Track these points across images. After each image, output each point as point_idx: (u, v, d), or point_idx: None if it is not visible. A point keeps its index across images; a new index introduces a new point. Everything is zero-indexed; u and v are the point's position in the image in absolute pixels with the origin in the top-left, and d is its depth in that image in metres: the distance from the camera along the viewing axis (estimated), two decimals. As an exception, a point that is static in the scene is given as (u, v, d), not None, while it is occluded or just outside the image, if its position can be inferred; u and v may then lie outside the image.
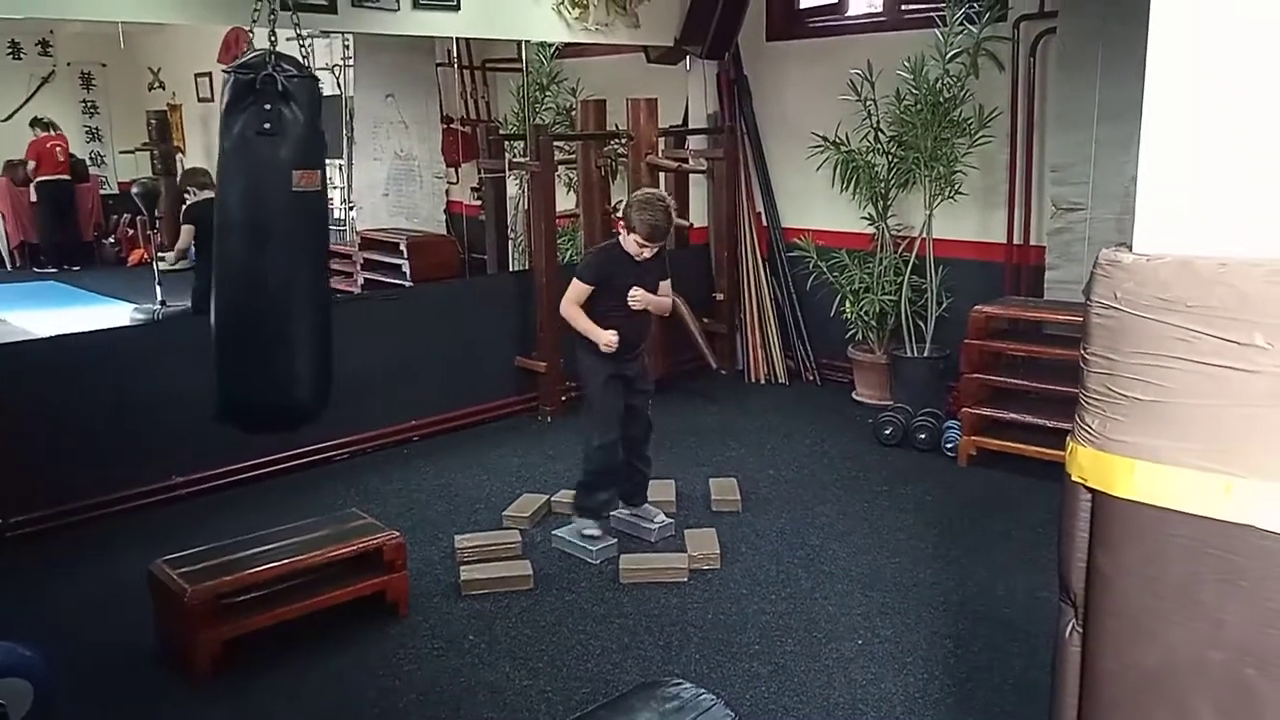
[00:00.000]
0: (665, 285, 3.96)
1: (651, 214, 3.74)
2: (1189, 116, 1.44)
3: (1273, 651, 1.36)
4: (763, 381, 6.28)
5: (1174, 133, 1.45)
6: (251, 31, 2.94)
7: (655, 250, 3.80)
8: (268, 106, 2.85)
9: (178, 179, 9.92)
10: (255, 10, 2.93)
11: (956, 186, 5.35)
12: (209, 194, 5.90)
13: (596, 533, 3.92)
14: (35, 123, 10.59)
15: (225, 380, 3.10)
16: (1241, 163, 1.41)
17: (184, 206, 6.29)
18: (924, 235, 5.45)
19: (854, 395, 5.91)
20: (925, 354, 5.55)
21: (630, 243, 3.78)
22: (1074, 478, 1.55)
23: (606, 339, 3.76)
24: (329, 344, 3.21)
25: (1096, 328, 1.49)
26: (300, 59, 3.00)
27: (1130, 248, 1.50)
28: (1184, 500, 1.40)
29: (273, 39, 2.92)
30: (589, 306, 3.81)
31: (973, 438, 4.73)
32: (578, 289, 3.81)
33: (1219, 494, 1.37)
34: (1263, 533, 1.35)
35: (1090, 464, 1.50)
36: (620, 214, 3.92)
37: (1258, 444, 1.35)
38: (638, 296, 3.79)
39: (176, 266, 7.68)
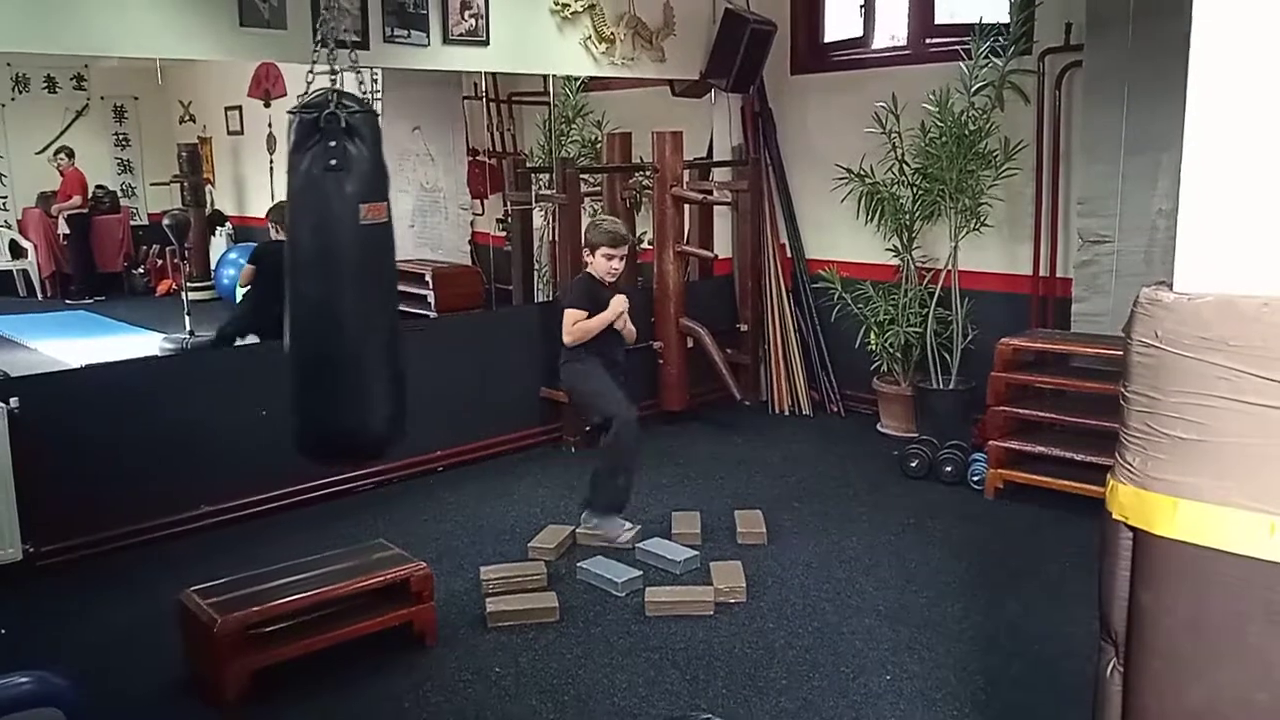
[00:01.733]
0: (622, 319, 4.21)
1: (607, 224, 4.17)
2: (1229, 155, 1.45)
3: None
4: (787, 413, 6.26)
5: (1214, 171, 1.45)
6: (311, 72, 2.98)
7: (622, 262, 4.11)
8: (332, 144, 2.89)
9: (209, 209, 10.08)
10: (315, 52, 2.98)
11: (982, 219, 5.35)
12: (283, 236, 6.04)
13: (628, 527, 4.10)
14: (60, 151, 10.77)
15: (303, 414, 3.11)
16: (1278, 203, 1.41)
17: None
18: (949, 267, 5.45)
19: (879, 427, 5.89)
20: (951, 386, 5.52)
21: (599, 262, 4.08)
22: (1115, 516, 1.54)
23: (617, 305, 4.08)
24: (403, 373, 3.23)
25: (1137, 366, 1.48)
26: (360, 94, 3.04)
27: (1170, 285, 1.50)
28: (1228, 539, 1.39)
29: (333, 78, 2.97)
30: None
31: (999, 471, 4.70)
32: (574, 315, 4.09)
33: (1263, 533, 1.36)
34: None
35: (1131, 502, 1.49)
36: (585, 246, 4.22)
37: None
38: (620, 301, 4.10)
39: (198, 288, 7.78)
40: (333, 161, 2.90)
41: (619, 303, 4.13)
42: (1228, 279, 1.44)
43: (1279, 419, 1.35)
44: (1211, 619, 1.43)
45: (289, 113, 2.99)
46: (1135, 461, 1.50)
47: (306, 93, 2.94)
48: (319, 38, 3.02)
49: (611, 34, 5.47)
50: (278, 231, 5.93)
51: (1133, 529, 1.51)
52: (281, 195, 9.06)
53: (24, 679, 2.44)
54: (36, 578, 3.93)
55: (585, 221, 4.58)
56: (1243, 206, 1.45)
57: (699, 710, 3.00)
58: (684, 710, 3.02)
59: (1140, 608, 1.49)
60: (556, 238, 5.94)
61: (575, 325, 4.08)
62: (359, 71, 3.15)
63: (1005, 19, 5.15)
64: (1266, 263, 1.42)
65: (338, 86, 2.95)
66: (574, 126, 7.21)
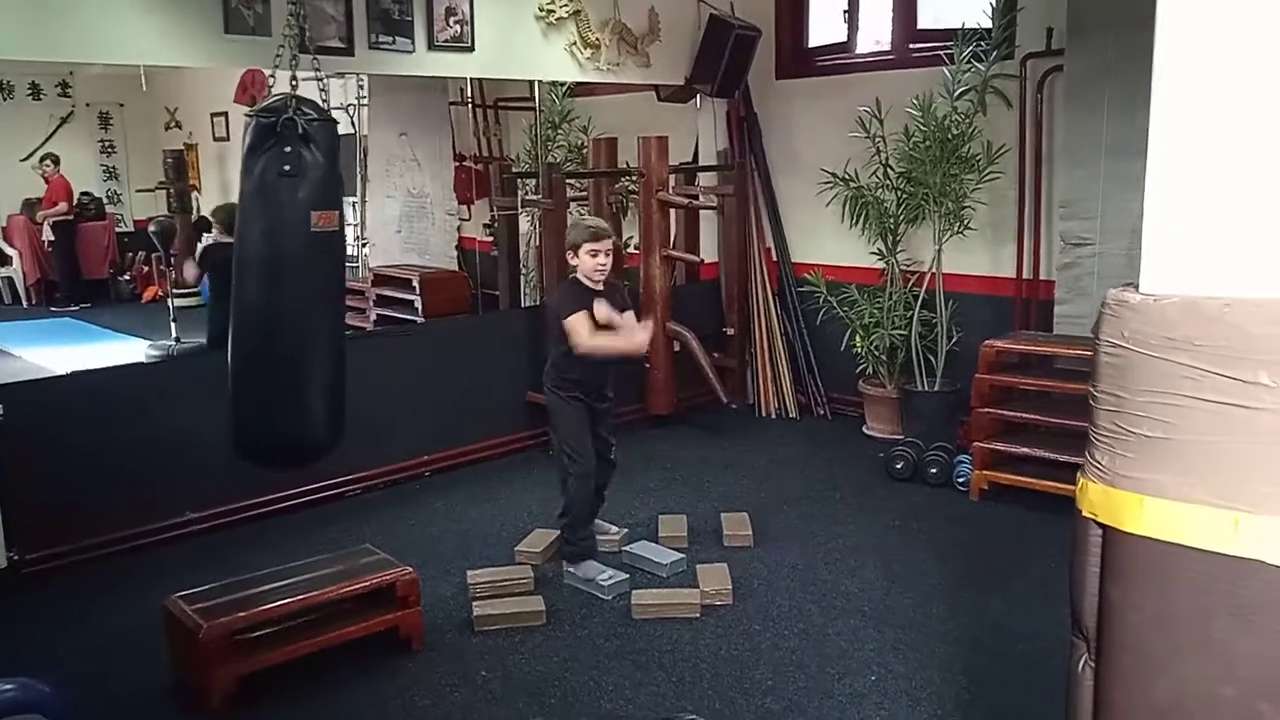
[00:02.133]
0: (629, 317, 3.92)
1: (588, 220, 4.00)
2: (1193, 160, 1.48)
3: None
4: (773, 416, 6.29)
5: (1179, 176, 1.48)
6: (273, 76, 3.00)
7: (608, 258, 3.85)
8: (288, 149, 2.90)
9: (195, 215, 10.08)
10: (277, 55, 3.00)
11: (966, 222, 5.39)
12: (228, 239, 6.01)
13: (606, 572, 3.92)
14: (46, 158, 10.73)
15: (242, 416, 3.14)
16: (1245, 205, 1.44)
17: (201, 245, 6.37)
18: (934, 270, 5.48)
19: (865, 429, 5.91)
20: (936, 388, 5.56)
21: (584, 261, 3.84)
22: (1085, 513, 1.56)
23: (640, 338, 3.85)
24: (344, 381, 3.25)
25: (1105, 366, 1.51)
26: (320, 101, 3.06)
27: (1137, 287, 1.53)
28: (1193, 535, 1.42)
29: (294, 83, 2.99)
30: (564, 346, 3.84)
31: (984, 472, 4.73)
32: (581, 320, 3.76)
33: (1227, 529, 1.39)
34: (1271, 568, 1.36)
35: (1100, 499, 1.51)
36: (568, 249, 3.94)
37: (1264, 480, 1.37)
38: (603, 311, 3.80)
39: (184, 294, 7.75)
40: (286, 167, 2.92)
41: (641, 340, 3.88)
42: (1192, 281, 1.46)
43: (1241, 417, 1.38)
44: (1177, 614, 1.45)
45: (245, 115, 3.01)
46: (1104, 460, 1.52)
47: (263, 96, 2.97)
48: (281, 43, 3.04)
49: (596, 39, 5.49)
50: (221, 232, 5.95)
51: (1102, 526, 1.53)
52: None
53: (7, 685, 2.44)
54: (22, 585, 3.92)
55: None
56: (1205, 211, 1.48)
57: (685, 712, 3.01)
58: (670, 712, 3.03)
59: (1109, 604, 1.51)
60: (542, 243, 5.95)
61: (587, 339, 3.74)
62: (323, 79, 3.16)
63: (988, 24, 5.19)
64: (1228, 265, 1.45)
65: (296, 92, 2.96)
66: (560, 132, 7.23)
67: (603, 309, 3.81)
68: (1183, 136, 1.49)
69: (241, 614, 3.13)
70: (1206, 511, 1.41)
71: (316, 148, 2.96)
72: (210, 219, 6.31)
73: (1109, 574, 1.51)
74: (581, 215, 4.10)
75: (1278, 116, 1.43)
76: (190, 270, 6.14)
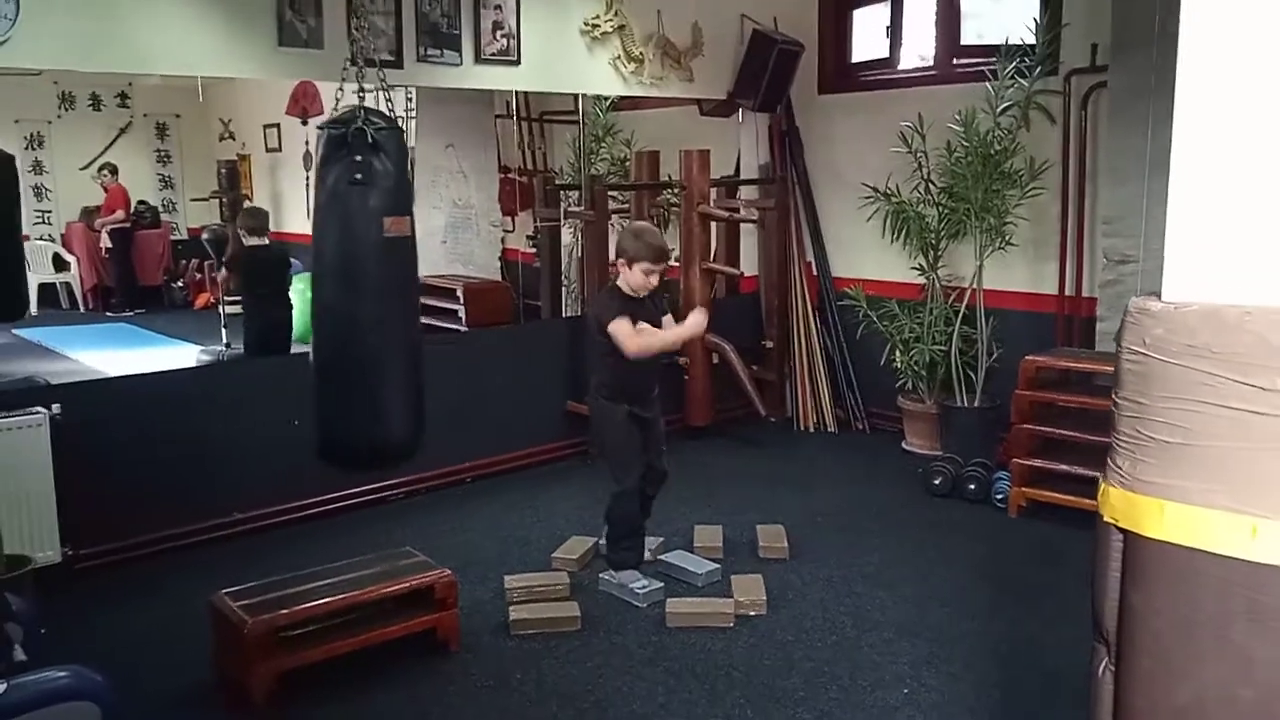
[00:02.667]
0: (668, 320, 4.01)
1: (649, 237, 3.86)
2: (1215, 173, 1.50)
3: None
4: (812, 430, 6.29)
5: (1201, 188, 1.51)
6: (340, 89, 3.09)
7: (658, 279, 3.86)
8: (358, 158, 2.98)
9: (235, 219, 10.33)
10: (344, 69, 3.09)
11: (1007, 238, 5.37)
12: (259, 240, 6.11)
13: (641, 581, 3.95)
14: (105, 167, 11.01)
15: (324, 421, 3.20)
16: (1265, 216, 1.46)
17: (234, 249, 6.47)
18: (974, 286, 5.47)
19: (904, 445, 5.90)
20: (975, 404, 5.54)
21: (636, 275, 3.80)
22: (1106, 518, 1.58)
23: (696, 319, 3.88)
24: (421, 383, 3.30)
25: (1127, 373, 1.53)
26: (387, 111, 3.14)
27: (1159, 296, 1.55)
28: (1212, 541, 1.44)
29: (360, 94, 3.07)
30: (607, 354, 3.83)
31: (1023, 489, 4.71)
32: (625, 325, 3.75)
33: (1245, 535, 1.40)
34: None
35: (1121, 505, 1.53)
36: (620, 256, 3.91)
37: None
38: (700, 316, 3.90)
39: (234, 302, 7.95)
40: (358, 175, 2.99)
41: (698, 321, 3.90)
42: (1212, 289, 1.49)
43: (1259, 423, 1.40)
44: (1197, 618, 1.46)
45: (318, 127, 3.09)
46: (1125, 465, 1.54)
47: (335, 109, 3.04)
48: (349, 56, 3.13)
49: (640, 54, 5.56)
50: (247, 236, 6.08)
51: (1123, 531, 1.55)
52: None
53: (62, 673, 2.53)
54: (75, 579, 4.04)
55: (620, 232, 4.27)
56: (1227, 221, 1.50)
57: None
58: None
59: (1130, 608, 1.53)
60: (584, 254, 6.02)
61: (633, 340, 3.74)
62: (388, 90, 3.24)
63: (1031, 40, 5.18)
64: (1248, 274, 1.47)
65: (366, 104, 3.05)
66: (604, 145, 7.31)
67: (700, 319, 3.91)
68: (1205, 150, 1.53)
69: (284, 611, 3.21)
70: (1225, 517, 1.42)
71: (386, 156, 3.03)
72: (238, 224, 6.39)
73: (1130, 578, 1.53)
74: (642, 225, 4.00)
75: None
76: (222, 274, 6.27)
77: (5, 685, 2.40)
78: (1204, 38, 1.52)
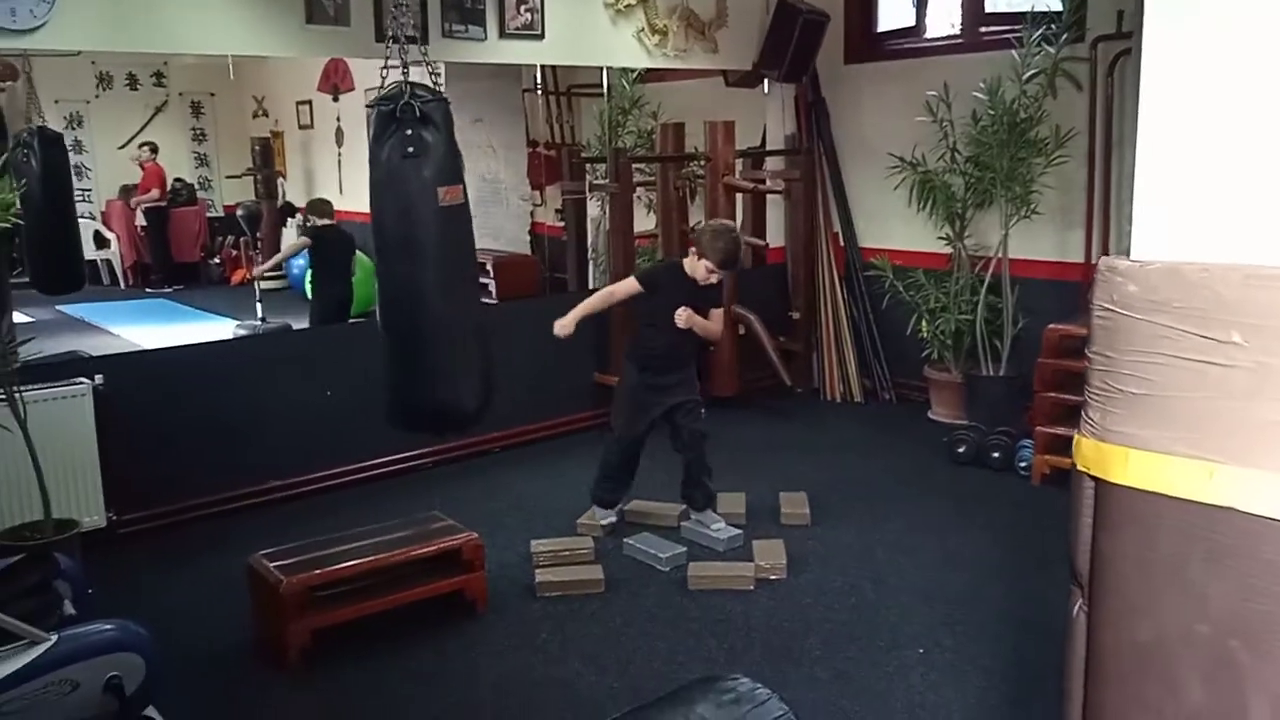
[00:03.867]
0: (717, 313, 4.15)
1: (725, 244, 3.98)
2: (1177, 142, 1.60)
3: (1253, 625, 1.46)
4: (838, 400, 6.33)
5: (1165, 155, 1.59)
6: (385, 68, 3.15)
7: (718, 279, 4.00)
8: (409, 132, 3.06)
9: (281, 200, 10.51)
10: (387, 48, 3.16)
11: (1033, 206, 5.37)
12: (327, 221, 6.44)
13: (611, 518, 4.25)
14: (145, 145, 11.20)
15: (394, 388, 3.30)
16: (1222, 181, 1.56)
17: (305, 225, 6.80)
18: (1000, 255, 5.47)
19: (929, 414, 5.93)
20: (1001, 373, 5.55)
21: (700, 267, 3.99)
22: (1079, 467, 1.65)
23: (559, 326, 4.14)
24: (489, 347, 3.39)
25: (1098, 328, 1.60)
26: (431, 83, 3.20)
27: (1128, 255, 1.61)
28: (1172, 485, 1.51)
29: (405, 70, 3.14)
30: (632, 309, 4.16)
31: (1046, 456, 4.73)
32: (626, 285, 4.15)
33: (1203, 479, 1.47)
34: (1243, 515, 1.45)
35: (1092, 453, 1.60)
36: (695, 241, 4.11)
37: (1237, 433, 1.46)
38: (683, 317, 4.00)
39: (269, 277, 8.17)
40: (410, 149, 3.06)
41: (561, 326, 4.17)
42: (1175, 248, 1.56)
43: (1215, 374, 1.46)
44: (1158, 559, 1.54)
45: (367, 106, 3.17)
46: (1096, 417, 1.61)
47: (381, 87, 3.11)
48: (389, 34, 3.20)
49: (664, 26, 5.59)
50: (318, 219, 6.50)
51: (1094, 479, 1.62)
52: (352, 186, 9.37)
53: (108, 626, 2.66)
54: (119, 543, 4.20)
55: (704, 222, 4.51)
56: (1188, 185, 1.60)
57: (734, 675, 3.11)
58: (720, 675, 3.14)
59: (1099, 552, 1.61)
60: (610, 226, 6.07)
61: (601, 291, 4.24)
62: (432, 65, 3.30)
63: (1058, 7, 5.15)
64: (1206, 233, 1.55)
65: (410, 79, 3.11)
66: (630, 117, 7.34)
67: (683, 315, 4.00)
68: (1168, 123, 1.63)
69: (318, 571, 3.33)
70: (1185, 463, 1.50)
71: (435, 127, 3.09)
72: (307, 211, 6.81)
73: (1100, 523, 1.60)
74: (723, 230, 4.10)
75: (1250, 107, 1.56)
76: (297, 242, 6.66)
77: (56, 637, 2.54)
78: (1165, 28, 1.60)
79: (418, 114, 3.07)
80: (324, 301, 6.54)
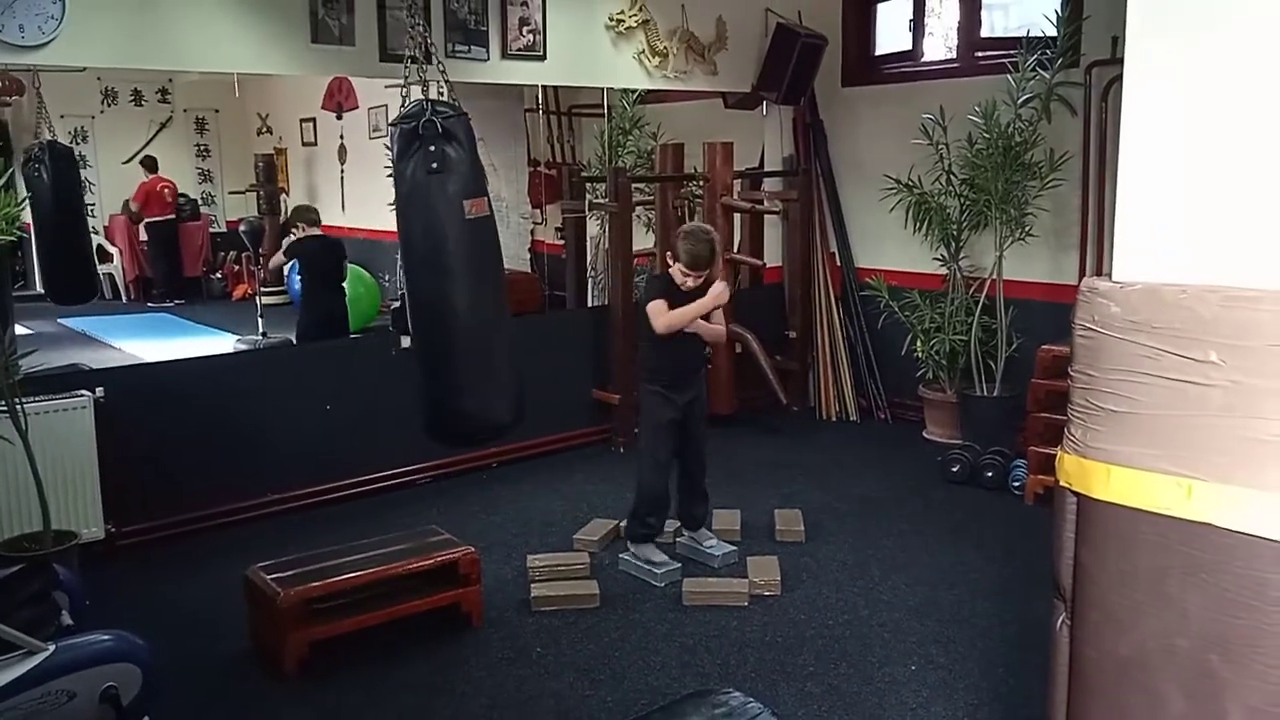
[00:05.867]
0: (718, 313, 4.11)
1: (694, 244, 3.97)
2: (1157, 167, 1.63)
3: (1232, 638, 1.48)
4: (834, 418, 6.37)
5: (1144, 182, 1.64)
6: (405, 87, 3.20)
7: (699, 280, 3.98)
8: (432, 148, 3.09)
9: (283, 216, 10.53)
10: (406, 68, 3.21)
11: (1028, 228, 5.42)
12: (315, 231, 6.26)
13: (658, 557, 4.08)
14: (145, 163, 11.26)
15: (429, 400, 3.33)
16: (1198, 207, 1.61)
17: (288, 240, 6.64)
18: (995, 276, 5.52)
19: (924, 433, 5.96)
20: (995, 393, 5.59)
21: (676, 272, 4.00)
22: (1062, 483, 1.68)
23: (717, 290, 3.95)
24: (513, 358, 3.43)
25: (1080, 348, 1.64)
26: (450, 100, 3.24)
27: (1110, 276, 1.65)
28: (1152, 501, 1.54)
29: (425, 88, 3.18)
30: (647, 337, 4.04)
31: (1039, 476, 4.76)
32: (659, 305, 3.98)
33: (1181, 495, 1.51)
34: (1220, 530, 1.48)
35: (1074, 470, 1.64)
36: (670, 253, 4.09)
37: (1214, 450, 1.49)
38: (721, 290, 3.98)
39: (270, 292, 8.09)
40: (434, 165, 3.10)
41: (718, 292, 3.99)
42: (1154, 270, 1.61)
43: (1194, 392, 1.50)
44: (1139, 574, 1.57)
45: (390, 125, 3.21)
46: (1078, 433, 1.65)
47: (403, 104, 3.16)
48: (407, 54, 3.25)
49: (665, 48, 5.66)
50: (303, 230, 6.20)
51: (1076, 494, 1.65)
52: (354, 203, 9.38)
53: (106, 637, 2.68)
54: (117, 555, 4.23)
55: (680, 228, 4.39)
56: (1165, 210, 1.64)
57: (727, 689, 3.14)
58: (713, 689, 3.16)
59: (1081, 566, 1.64)
60: (609, 245, 6.13)
61: (664, 316, 3.94)
62: (448, 82, 3.35)
63: (1052, 32, 5.22)
64: (1184, 257, 1.59)
65: (430, 96, 3.16)
66: (630, 138, 7.41)
67: (720, 293, 4.00)
68: (1149, 146, 1.67)
69: (316, 584, 3.36)
70: (1163, 479, 1.53)
71: (457, 142, 3.13)
72: (292, 218, 6.55)
73: (1081, 538, 1.64)
74: (693, 232, 4.10)
75: (1229, 133, 1.60)
76: (277, 259, 6.38)
77: (54, 647, 2.56)
78: (1146, 57, 1.65)
79: (440, 130, 3.11)
80: (313, 313, 6.31)
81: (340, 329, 6.28)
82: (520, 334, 5.86)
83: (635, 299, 5.53)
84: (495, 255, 3.38)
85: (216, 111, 12.35)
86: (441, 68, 3.37)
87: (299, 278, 6.56)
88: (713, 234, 4.13)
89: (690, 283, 4.00)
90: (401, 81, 3.42)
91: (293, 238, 6.32)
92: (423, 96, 3.19)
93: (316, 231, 6.28)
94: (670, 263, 4.05)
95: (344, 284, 6.40)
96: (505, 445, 5.45)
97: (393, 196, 3.24)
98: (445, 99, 3.24)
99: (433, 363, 3.29)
